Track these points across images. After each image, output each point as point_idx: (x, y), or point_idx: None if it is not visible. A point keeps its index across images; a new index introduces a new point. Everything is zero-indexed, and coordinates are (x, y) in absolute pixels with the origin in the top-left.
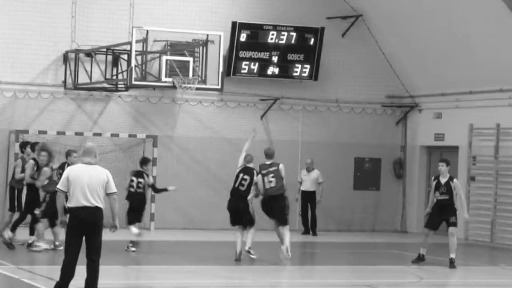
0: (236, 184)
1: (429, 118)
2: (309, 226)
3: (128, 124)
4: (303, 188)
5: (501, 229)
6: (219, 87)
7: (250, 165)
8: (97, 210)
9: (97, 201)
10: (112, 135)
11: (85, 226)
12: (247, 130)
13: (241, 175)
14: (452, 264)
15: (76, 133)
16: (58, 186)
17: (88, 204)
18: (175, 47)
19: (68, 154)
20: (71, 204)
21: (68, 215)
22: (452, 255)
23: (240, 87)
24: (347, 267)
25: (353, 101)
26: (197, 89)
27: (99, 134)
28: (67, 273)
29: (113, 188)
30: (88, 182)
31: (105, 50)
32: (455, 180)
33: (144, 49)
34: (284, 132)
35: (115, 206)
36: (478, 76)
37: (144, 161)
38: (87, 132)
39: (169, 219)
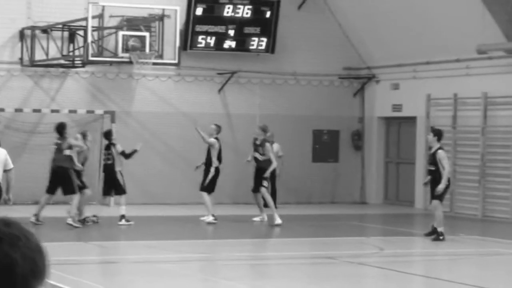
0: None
1: (387, 89)
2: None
3: (85, 100)
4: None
5: (460, 199)
6: (176, 61)
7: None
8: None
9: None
10: (70, 111)
11: None
12: (204, 104)
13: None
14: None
15: (34, 110)
16: None
17: None
18: (131, 22)
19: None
20: None
21: None
22: (439, 228)
23: (197, 61)
24: (308, 239)
25: (310, 73)
26: (154, 64)
27: (57, 111)
28: None
29: (11, 165)
30: None
31: (61, 26)
32: (439, 151)
33: (100, 25)
34: (242, 105)
35: (12, 182)
36: (435, 46)
37: (106, 134)
38: (44, 108)
39: (128, 194)
